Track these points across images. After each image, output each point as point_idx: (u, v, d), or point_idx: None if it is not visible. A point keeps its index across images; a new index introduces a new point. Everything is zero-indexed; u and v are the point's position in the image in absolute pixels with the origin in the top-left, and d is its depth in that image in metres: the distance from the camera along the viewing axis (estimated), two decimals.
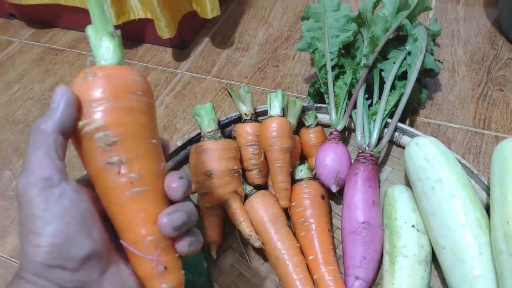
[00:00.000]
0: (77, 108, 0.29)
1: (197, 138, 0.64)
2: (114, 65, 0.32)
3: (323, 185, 0.59)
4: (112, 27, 0.32)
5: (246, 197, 0.59)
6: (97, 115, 0.29)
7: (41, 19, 1.04)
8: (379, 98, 0.63)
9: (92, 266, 0.28)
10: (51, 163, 0.28)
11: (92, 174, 0.30)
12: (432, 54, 0.70)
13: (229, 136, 0.64)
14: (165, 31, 0.82)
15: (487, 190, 0.53)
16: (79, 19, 0.98)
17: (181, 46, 0.92)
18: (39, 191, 0.27)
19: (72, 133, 0.30)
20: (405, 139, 0.60)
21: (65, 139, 0.29)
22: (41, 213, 0.26)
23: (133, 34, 0.94)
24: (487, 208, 0.50)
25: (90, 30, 0.32)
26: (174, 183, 0.30)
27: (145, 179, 0.30)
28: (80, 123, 0.29)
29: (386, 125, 0.61)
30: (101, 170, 0.29)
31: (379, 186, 0.59)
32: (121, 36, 0.32)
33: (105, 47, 0.31)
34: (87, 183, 0.31)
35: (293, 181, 0.60)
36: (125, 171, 0.29)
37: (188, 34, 0.93)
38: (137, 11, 0.85)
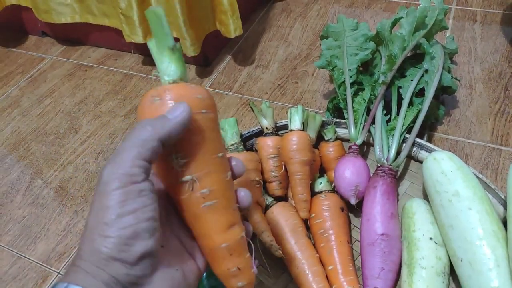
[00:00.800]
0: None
1: None
2: (177, 80, 0.33)
3: (342, 197, 0.61)
4: (172, 41, 0.33)
5: (266, 208, 0.61)
6: None
7: (72, 37, 1.09)
8: (397, 114, 0.65)
9: (148, 263, 0.29)
10: (141, 163, 0.29)
11: (168, 187, 0.33)
12: (449, 71, 0.72)
13: (251, 149, 0.67)
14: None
15: (504, 204, 0.54)
16: (107, 37, 1.03)
17: (205, 64, 0.96)
18: (122, 184, 0.28)
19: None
20: (423, 154, 0.62)
21: (161, 148, 0.30)
22: (118, 205, 0.27)
23: None
24: (504, 222, 0.51)
25: (151, 44, 0.34)
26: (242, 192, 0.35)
27: (216, 192, 0.33)
28: None
29: (404, 140, 0.62)
30: (176, 187, 0.32)
31: (398, 200, 0.60)
32: (181, 49, 0.34)
33: (166, 62, 0.33)
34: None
35: (313, 193, 0.62)
36: (197, 187, 0.32)
37: (211, 52, 0.97)
38: None
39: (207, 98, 0.33)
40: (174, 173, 0.32)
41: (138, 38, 0.90)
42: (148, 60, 1.00)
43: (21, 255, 0.66)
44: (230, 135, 0.64)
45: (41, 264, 0.64)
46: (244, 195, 0.35)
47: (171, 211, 0.34)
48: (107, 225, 0.27)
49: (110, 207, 0.28)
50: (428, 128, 0.74)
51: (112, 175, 0.28)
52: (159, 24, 0.32)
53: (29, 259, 0.65)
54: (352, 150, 0.62)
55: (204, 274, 0.52)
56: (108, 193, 0.28)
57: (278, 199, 0.63)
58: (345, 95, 0.68)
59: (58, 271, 0.63)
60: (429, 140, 0.73)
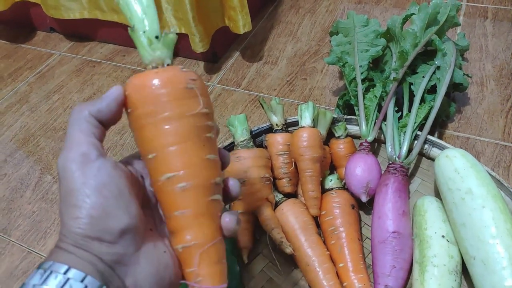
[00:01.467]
0: (120, 106, 0.31)
1: (230, 147, 0.67)
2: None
3: (352, 194, 0.60)
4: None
5: (276, 204, 0.61)
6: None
7: (80, 33, 1.09)
8: (409, 111, 0.64)
9: (128, 240, 0.28)
10: (87, 140, 0.29)
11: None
12: (460, 68, 0.71)
13: (260, 146, 0.67)
14: (198, 45, 0.86)
15: None
16: (116, 33, 1.03)
17: (213, 60, 0.96)
18: (78, 165, 0.28)
19: (108, 125, 0.31)
20: (434, 151, 0.61)
21: (100, 125, 0.30)
22: (80, 186, 0.28)
23: None
24: None
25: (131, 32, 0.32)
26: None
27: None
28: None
29: (416, 137, 0.62)
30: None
31: (409, 197, 0.60)
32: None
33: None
34: (129, 164, 0.33)
35: (323, 190, 0.62)
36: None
37: (220, 48, 0.96)
38: (172, 26, 0.89)
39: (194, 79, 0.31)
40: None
41: None
42: None
43: (31, 250, 0.66)
44: (240, 131, 0.63)
45: (52, 249, 0.64)
46: (233, 183, 0.34)
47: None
48: (75, 207, 0.27)
49: (73, 190, 0.28)
50: (439, 126, 0.73)
51: (66, 161, 0.28)
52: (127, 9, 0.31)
53: (39, 254, 0.65)
54: (363, 147, 0.62)
55: None
56: (68, 177, 0.28)
57: (288, 196, 0.62)
58: (356, 91, 0.67)
59: None
60: (440, 137, 0.72)
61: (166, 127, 0.29)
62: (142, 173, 0.34)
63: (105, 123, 0.31)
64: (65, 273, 0.26)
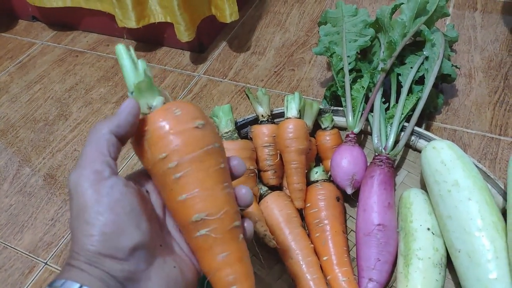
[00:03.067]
0: (136, 117, 0.32)
1: None
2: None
3: (338, 187, 0.59)
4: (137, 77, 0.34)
5: (261, 197, 0.60)
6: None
7: (63, 22, 1.07)
8: (396, 102, 0.63)
9: (140, 257, 0.29)
10: (102, 158, 0.29)
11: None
12: (449, 59, 0.70)
13: (245, 137, 0.65)
14: (184, 34, 0.84)
15: (504, 194, 0.53)
16: (99, 22, 1.00)
17: (199, 50, 0.94)
18: (91, 183, 0.28)
19: (126, 139, 0.32)
20: (421, 143, 0.60)
21: (118, 142, 0.31)
22: (93, 204, 0.28)
23: (152, 37, 0.96)
24: (504, 213, 0.50)
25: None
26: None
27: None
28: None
29: (402, 129, 0.61)
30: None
31: (395, 190, 0.59)
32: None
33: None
34: (135, 181, 0.33)
35: (308, 182, 0.60)
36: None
37: (206, 38, 0.94)
38: (157, 15, 0.87)
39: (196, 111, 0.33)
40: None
41: (131, 23, 0.88)
42: (141, 45, 0.98)
43: (7, 245, 0.64)
44: (225, 122, 0.62)
45: (27, 254, 0.63)
46: (237, 163, 0.35)
47: (169, 217, 0.35)
48: (88, 224, 0.28)
49: (87, 206, 0.28)
50: (426, 117, 0.73)
51: (79, 178, 0.29)
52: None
53: (16, 249, 0.63)
54: (349, 138, 0.61)
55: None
56: (81, 194, 0.28)
57: (272, 188, 0.61)
58: (343, 82, 0.66)
59: (45, 261, 0.62)
60: (427, 129, 0.71)
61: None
62: (148, 189, 0.34)
63: (123, 137, 0.32)
64: None
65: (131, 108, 0.31)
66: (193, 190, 0.31)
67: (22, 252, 0.63)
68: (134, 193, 0.30)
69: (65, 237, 0.64)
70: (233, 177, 0.35)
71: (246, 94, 0.66)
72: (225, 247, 0.32)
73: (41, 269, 0.61)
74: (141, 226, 0.29)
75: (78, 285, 0.26)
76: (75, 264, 0.27)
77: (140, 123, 0.32)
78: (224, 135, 0.61)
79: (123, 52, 0.33)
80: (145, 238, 0.29)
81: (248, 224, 0.35)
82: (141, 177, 0.34)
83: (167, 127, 0.31)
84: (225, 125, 0.62)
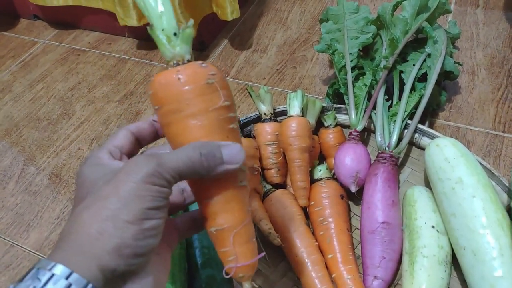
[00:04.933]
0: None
1: None
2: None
3: (342, 185, 0.59)
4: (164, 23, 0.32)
5: (264, 195, 0.60)
6: None
7: (64, 21, 1.07)
8: (399, 99, 0.63)
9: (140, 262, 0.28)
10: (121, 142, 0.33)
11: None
12: (451, 56, 0.70)
13: (249, 135, 0.65)
14: None
15: (508, 192, 0.53)
16: (101, 20, 1.00)
17: (201, 48, 0.94)
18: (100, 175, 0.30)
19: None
20: (425, 141, 0.60)
21: (135, 139, 0.34)
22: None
23: None
24: (508, 210, 0.50)
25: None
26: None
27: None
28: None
29: (406, 126, 0.61)
30: None
31: (399, 187, 0.59)
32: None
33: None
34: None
35: (312, 181, 0.61)
36: None
37: (207, 36, 0.94)
38: (190, 20, 0.87)
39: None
40: None
41: (132, 22, 0.88)
42: (143, 44, 0.98)
43: (14, 244, 0.64)
44: None
45: (34, 253, 0.63)
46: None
47: None
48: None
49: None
50: (430, 115, 0.73)
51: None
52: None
53: (22, 247, 0.64)
54: (352, 136, 0.61)
55: (199, 262, 0.51)
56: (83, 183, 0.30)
57: (276, 186, 0.61)
58: (346, 79, 0.66)
59: None
60: (431, 126, 0.71)
61: (192, 122, 0.31)
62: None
63: (141, 138, 0.35)
64: (50, 269, 0.25)
65: (237, 161, 0.31)
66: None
67: (29, 250, 0.63)
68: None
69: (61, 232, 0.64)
70: None
71: (249, 92, 0.66)
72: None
73: None
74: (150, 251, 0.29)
75: (53, 263, 0.25)
76: (68, 249, 0.26)
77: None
78: None
79: None
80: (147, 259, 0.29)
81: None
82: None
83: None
84: None
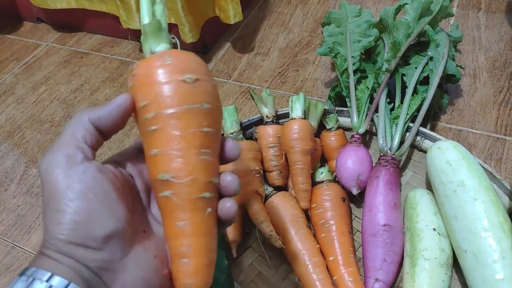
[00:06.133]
0: (122, 114, 0.30)
1: None
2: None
3: (343, 187, 0.59)
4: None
5: (266, 197, 0.60)
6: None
7: (67, 23, 1.07)
8: (401, 102, 0.63)
9: (115, 246, 0.27)
10: (76, 143, 0.28)
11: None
12: (453, 60, 0.70)
13: (251, 138, 0.65)
14: (188, 35, 0.84)
15: (510, 194, 0.53)
16: (104, 23, 1.00)
17: (203, 51, 0.94)
18: (62, 168, 0.27)
19: (108, 133, 0.31)
20: (426, 143, 0.60)
21: (97, 133, 0.30)
22: (64, 190, 0.27)
23: None
24: (510, 213, 0.50)
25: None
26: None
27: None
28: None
29: (408, 129, 0.61)
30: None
31: (400, 190, 0.59)
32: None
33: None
34: (118, 164, 0.32)
35: (314, 183, 0.61)
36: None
37: (210, 39, 0.95)
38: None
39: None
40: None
41: (135, 24, 0.88)
42: None
43: (15, 245, 0.64)
44: (230, 123, 0.62)
45: (35, 254, 0.63)
46: (230, 180, 0.32)
47: (154, 201, 0.33)
48: (58, 211, 0.26)
49: (56, 193, 0.27)
50: (431, 118, 0.73)
51: (50, 163, 0.27)
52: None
53: (24, 249, 0.64)
54: (354, 139, 0.61)
55: None
56: (51, 180, 0.27)
57: (278, 189, 0.61)
58: (348, 82, 0.66)
59: None
60: (432, 129, 0.71)
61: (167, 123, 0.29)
62: (132, 172, 0.32)
63: (104, 131, 0.30)
64: (48, 280, 0.25)
65: (118, 104, 0.30)
66: (163, 147, 0.29)
67: (30, 252, 0.63)
68: (110, 178, 0.29)
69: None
70: (223, 195, 0.32)
71: (251, 95, 0.66)
72: (186, 215, 0.29)
73: None
74: (117, 213, 0.28)
75: (49, 273, 0.25)
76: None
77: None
78: (230, 136, 0.61)
79: None
80: (121, 226, 0.28)
81: (230, 205, 0.31)
82: (126, 160, 0.33)
83: (151, 74, 0.29)
84: (230, 126, 0.62)
